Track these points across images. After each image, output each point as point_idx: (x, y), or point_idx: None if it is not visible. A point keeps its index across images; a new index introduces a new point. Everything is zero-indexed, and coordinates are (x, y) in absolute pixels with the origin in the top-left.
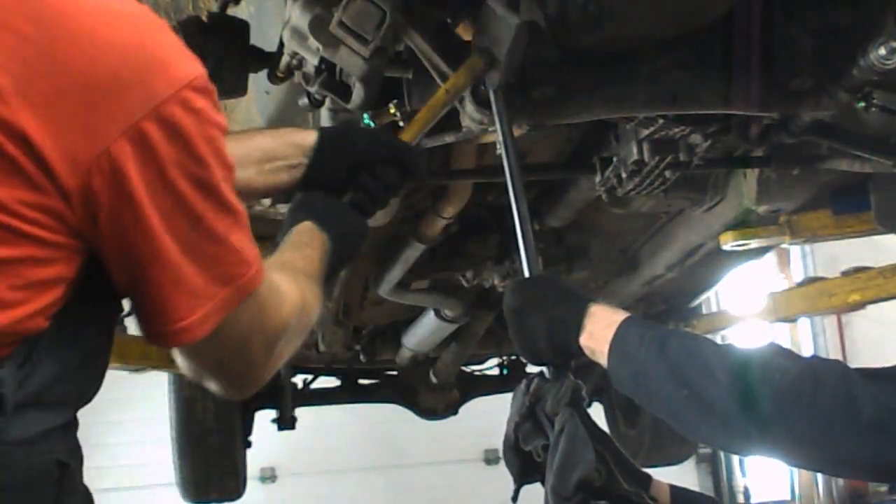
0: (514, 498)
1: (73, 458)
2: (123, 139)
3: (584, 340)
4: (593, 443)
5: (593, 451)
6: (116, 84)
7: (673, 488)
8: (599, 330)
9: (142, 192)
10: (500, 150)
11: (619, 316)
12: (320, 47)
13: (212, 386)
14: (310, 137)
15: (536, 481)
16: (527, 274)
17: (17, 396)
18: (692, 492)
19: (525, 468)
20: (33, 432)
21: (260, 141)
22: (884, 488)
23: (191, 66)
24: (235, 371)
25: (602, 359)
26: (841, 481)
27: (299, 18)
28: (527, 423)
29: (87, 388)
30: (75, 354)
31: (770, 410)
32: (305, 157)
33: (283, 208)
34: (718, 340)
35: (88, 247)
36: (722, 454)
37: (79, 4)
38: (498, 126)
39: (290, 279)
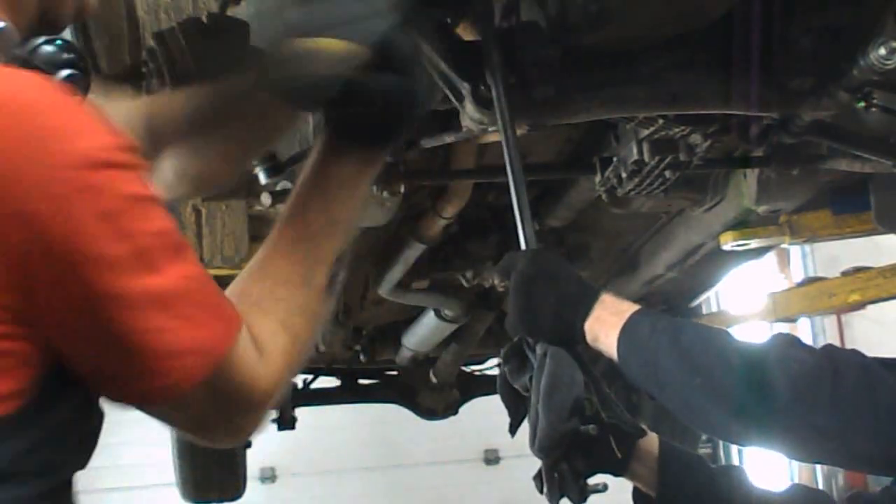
0: (512, 431)
1: None
2: (17, 227)
3: (591, 324)
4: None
5: (581, 372)
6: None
7: (662, 438)
8: (607, 316)
9: (75, 264)
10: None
11: (629, 306)
12: None
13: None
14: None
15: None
16: (524, 247)
17: None
18: (681, 448)
19: (518, 402)
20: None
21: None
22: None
23: (90, 140)
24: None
25: (605, 345)
26: (841, 480)
27: None
28: (513, 359)
29: (69, 457)
30: (45, 428)
31: (787, 400)
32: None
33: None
34: None
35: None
36: (721, 453)
37: None
38: (499, 118)
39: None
